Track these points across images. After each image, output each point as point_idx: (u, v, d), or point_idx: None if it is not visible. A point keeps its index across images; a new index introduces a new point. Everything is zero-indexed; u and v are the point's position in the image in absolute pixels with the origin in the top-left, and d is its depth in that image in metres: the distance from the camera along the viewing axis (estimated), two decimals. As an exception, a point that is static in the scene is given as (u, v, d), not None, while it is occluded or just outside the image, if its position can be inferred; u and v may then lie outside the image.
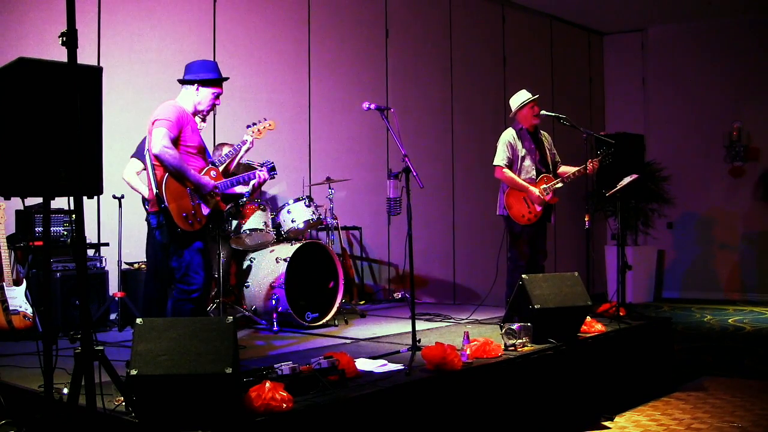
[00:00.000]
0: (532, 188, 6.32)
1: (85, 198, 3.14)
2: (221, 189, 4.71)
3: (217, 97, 4.79)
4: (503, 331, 4.86)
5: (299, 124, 8.04)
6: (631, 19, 11.42)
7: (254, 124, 5.27)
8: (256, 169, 5.06)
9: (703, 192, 11.23)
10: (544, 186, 6.35)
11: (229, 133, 6.87)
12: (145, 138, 5.56)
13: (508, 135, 6.51)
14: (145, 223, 5.01)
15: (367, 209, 8.46)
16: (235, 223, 6.18)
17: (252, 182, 4.88)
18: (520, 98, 6.46)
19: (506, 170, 6.40)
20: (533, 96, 6.42)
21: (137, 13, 6.81)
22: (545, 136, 6.64)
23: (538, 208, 6.34)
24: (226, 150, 6.36)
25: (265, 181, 4.97)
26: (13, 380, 4.09)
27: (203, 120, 5.20)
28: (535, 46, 10.88)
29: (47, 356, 3.21)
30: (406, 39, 9.10)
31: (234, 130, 7.02)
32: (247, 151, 5.17)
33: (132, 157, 5.78)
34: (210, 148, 6.10)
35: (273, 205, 7.11)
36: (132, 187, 5.74)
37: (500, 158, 6.44)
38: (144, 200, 5.46)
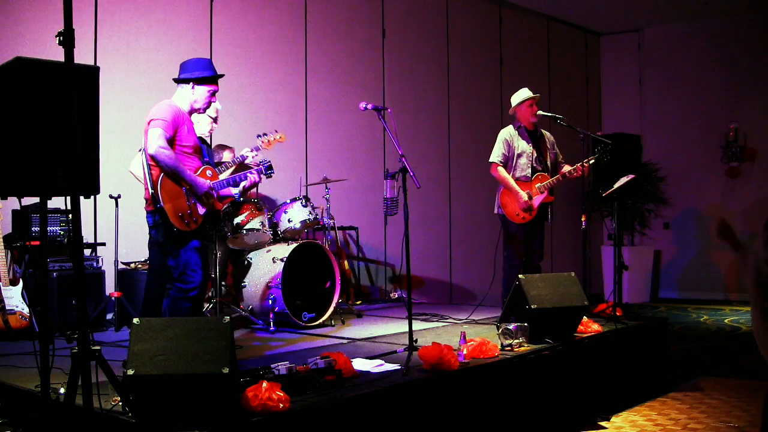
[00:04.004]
0: (521, 192, 6.31)
1: (81, 198, 3.14)
2: (216, 189, 4.70)
3: (213, 94, 4.78)
4: (500, 331, 4.87)
5: (296, 124, 8.03)
6: (628, 20, 11.44)
7: (265, 134, 5.67)
8: (250, 169, 5.07)
9: (700, 192, 11.25)
10: (538, 185, 6.35)
11: (226, 134, 6.86)
12: None
13: (506, 132, 6.51)
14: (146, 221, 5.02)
15: (363, 209, 8.46)
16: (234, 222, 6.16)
17: (242, 183, 4.88)
18: (520, 95, 6.46)
19: (500, 168, 6.40)
20: (534, 94, 6.42)
21: (134, 12, 6.80)
22: (547, 135, 6.63)
23: (530, 211, 6.34)
24: (227, 155, 6.39)
25: (256, 182, 4.98)
26: (10, 380, 4.08)
27: (214, 121, 5.52)
28: (532, 47, 10.89)
29: (44, 356, 3.20)
30: (403, 39, 9.10)
31: (231, 130, 7.02)
32: (253, 158, 5.60)
33: (140, 150, 5.68)
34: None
35: (270, 206, 7.11)
36: (139, 179, 5.60)
37: (495, 155, 6.44)
38: None
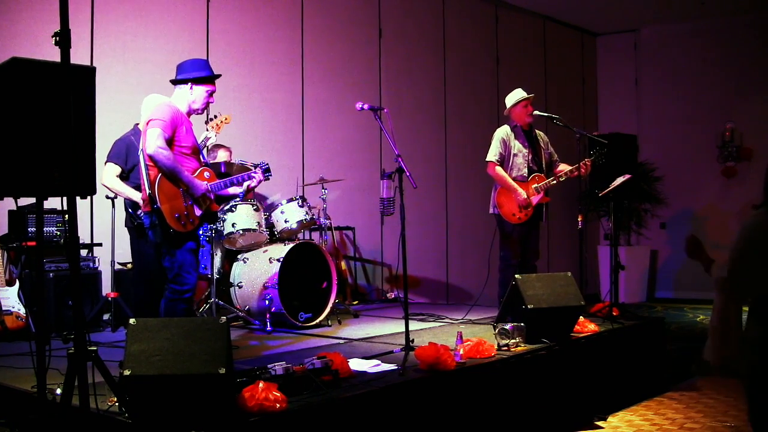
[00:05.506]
0: (520, 190, 6.31)
1: (78, 198, 3.14)
2: (214, 190, 4.70)
3: (210, 94, 4.78)
4: (496, 331, 4.87)
5: (292, 124, 8.03)
6: (624, 20, 11.45)
7: (211, 119, 5.85)
8: (250, 170, 5.07)
9: (696, 192, 11.25)
10: (535, 185, 6.35)
11: (222, 134, 6.85)
12: (116, 142, 5.57)
13: (502, 131, 6.51)
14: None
15: (360, 209, 8.46)
16: (227, 222, 6.14)
17: (246, 183, 4.89)
18: (515, 96, 6.47)
19: (498, 167, 6.40)
20: (528, 95, 6.43)
21: (130, 12, 6.79)
22: (540, 135, 6.64)
23: (528, 208, 6.34)
24: (222, 154, 6.40)
25: (260, 182, 4.98)
26: (6, 381, 4.08)
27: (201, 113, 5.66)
28: (528, 47, 10.90)
29: (40, 357, 3.20)
30: (400, 39, 9.10)
31: (227, 130, 7.00)
32: (205, 146, 5.76)
33: (107, 162, 5.53)
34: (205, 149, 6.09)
35: (266, 206, 7.11)
36: (115, 192, 5.57)
37: (492, 154, 6.44)
38: (127, 203, 5.46)
